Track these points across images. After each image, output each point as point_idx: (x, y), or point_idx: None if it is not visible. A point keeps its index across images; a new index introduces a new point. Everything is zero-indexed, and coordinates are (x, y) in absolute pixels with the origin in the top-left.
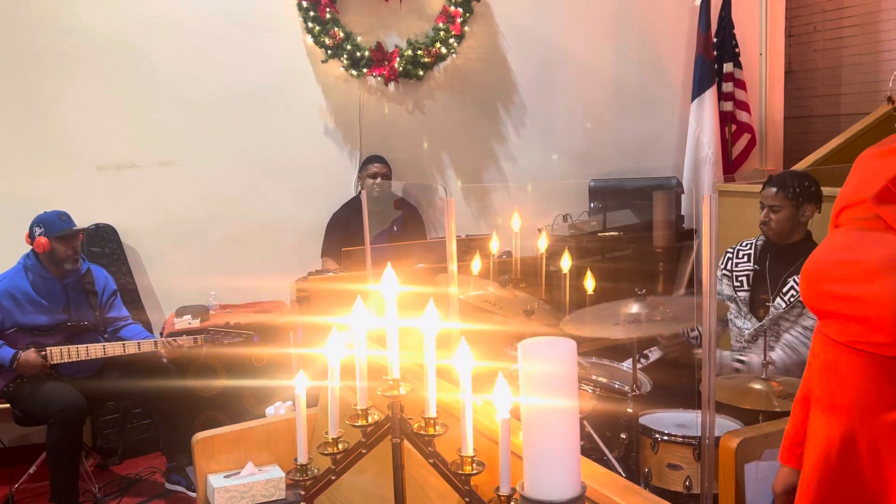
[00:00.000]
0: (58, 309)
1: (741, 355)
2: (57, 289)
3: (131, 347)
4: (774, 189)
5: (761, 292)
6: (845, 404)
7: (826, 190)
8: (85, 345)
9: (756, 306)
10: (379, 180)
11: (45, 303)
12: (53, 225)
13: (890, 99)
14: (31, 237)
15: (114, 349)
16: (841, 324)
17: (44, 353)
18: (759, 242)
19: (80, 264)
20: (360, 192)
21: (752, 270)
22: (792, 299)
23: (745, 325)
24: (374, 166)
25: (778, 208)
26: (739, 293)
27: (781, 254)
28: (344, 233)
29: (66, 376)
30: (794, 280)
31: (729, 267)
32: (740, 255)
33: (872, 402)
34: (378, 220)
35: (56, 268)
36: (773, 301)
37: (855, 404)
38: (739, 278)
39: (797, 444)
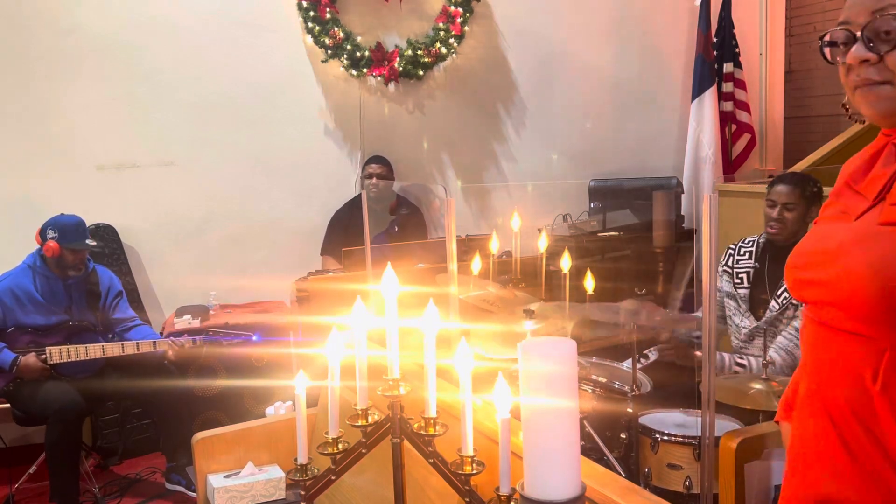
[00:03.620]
0: (59, 309)
1: (740, 358)
2: (59, 289)
3: (130, 347)
4: (790, 187)
5: (760, 291)
6: (831, 383)
7: (825, 190)
8: (84, 345)
9: (755, 305)
10: (374, 180)
11: (48, 303)
12: (69, 235)
13: (844, 106)
14: (42, 237)
15: (113, 349)
16: (820, 307)
17: (43, 355)
18: (761, 240)
19: (85, 269)
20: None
21: (752, 268)
22: (784, 301)
23: (743, 322)
24: (372, 167)
25: (793, 206)
26: (739, 290)
27: (781, 253)
28: (344, 231)
29: (66, 376)
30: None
31: (730, 263)
32: (742, 252)
33: (855, 378)
34: (378, 219)
35: (60, 271)
36: (770, 302)
37: (841, 382)
38: (740, 275)
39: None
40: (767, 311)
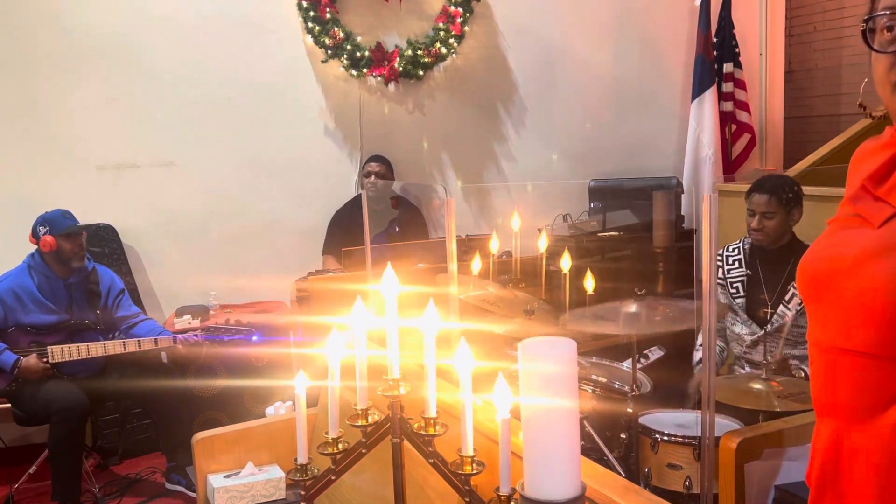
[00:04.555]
0: (60, 309)
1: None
2: (60, 289)
3: (132, 345)
4: (767, 196)
5: (758, 297)
6: (842, 408)
7: (825, 190)
8: (86, 343)
9: (754, 311)
10: (372, 178)
11: (48, 303)
12: (58, 223)
13: (861, 105)
14: (35, 237)
15: (115, 347)
16: (832, 323)
17: (45, 357)
18: (745, 246)
19: (86, 262)
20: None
21: (744, 276)
22: (799, 306)
23: (743, 330)
24: (371, 165)
25: (771, 215)
26: (736, 300)
27: (772, 257)
28: (345, 231)
29: (67, 375)
30: (794, 286)
31: (721, 275)
32: (730, 262)
33: (868, 405)
34: (379, 219)
35: (62, 266)
36: (777, 308)
37: (852, 408)
38: (735, 285)
39: None
40: (775, 317)
